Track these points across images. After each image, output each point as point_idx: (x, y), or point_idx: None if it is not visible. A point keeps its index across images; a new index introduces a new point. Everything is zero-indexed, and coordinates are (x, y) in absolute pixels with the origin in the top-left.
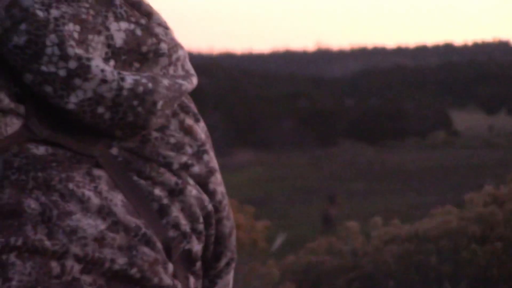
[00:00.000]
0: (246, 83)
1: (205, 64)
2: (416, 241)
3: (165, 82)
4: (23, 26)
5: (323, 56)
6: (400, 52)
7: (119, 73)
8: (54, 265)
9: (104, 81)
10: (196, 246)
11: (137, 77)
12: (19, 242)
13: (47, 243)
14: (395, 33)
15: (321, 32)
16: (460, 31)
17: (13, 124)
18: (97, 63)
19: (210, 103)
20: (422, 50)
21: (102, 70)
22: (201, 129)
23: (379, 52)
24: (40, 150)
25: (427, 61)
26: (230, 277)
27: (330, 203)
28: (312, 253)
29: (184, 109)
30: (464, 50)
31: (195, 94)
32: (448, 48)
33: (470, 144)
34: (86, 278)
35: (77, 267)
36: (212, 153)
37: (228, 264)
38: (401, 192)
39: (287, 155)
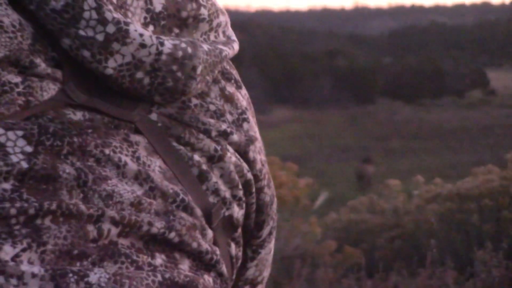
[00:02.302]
0: (283, 40)
1: (243, 21)
2: (458, 200)
3: (205, 47)
4: None
5: (361, 14)
6: (438, 10)
7: (157, 38)
8: (91, 229)
9: (142, 45)
10: (237, 212)
11: (176, 42)
12: (54, 206)
13: (82, 207)
14: None
15: None
16: None
17: (50, 89)
18: (136, 27)
19: (247, 60)
20: (459, 8)
21: (141, 35)
22: (242, 97)
23: (416, 10)
24: (77, 115)
25: (464, 20)
26: (271, 245)
27: (365, 163)
28: (353, 211)
29: (226, 75)
30: (502, 8)
31: None
32: (485, 7)
33: (507, 103)
34: (124, 242)
35: (114, 231)
36: (253, 121)
37: (270, 233)
38: (438, 151)
39: (325, 113)
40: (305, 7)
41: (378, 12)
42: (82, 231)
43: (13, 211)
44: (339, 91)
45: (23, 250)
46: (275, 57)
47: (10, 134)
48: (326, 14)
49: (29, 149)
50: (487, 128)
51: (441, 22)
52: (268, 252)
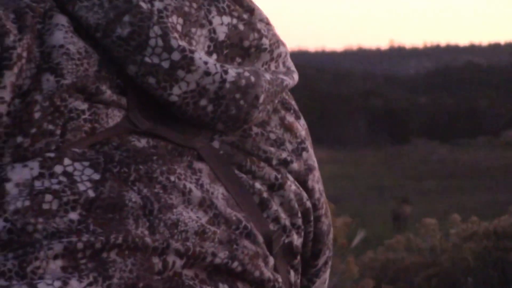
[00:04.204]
0: (319, 81)
1: None
2: (494, 238)
3: (267, 76)
4: (126, 18)
5: (396, 54)
6: (473, 49)
7: (222, 66)
8: (156, 261)
9: (207, 73)
10: (296, 240)
11: (240, 70)
12: (120, 240)
13: (148, 239)
14: (468, 31)
15: (394, 30)
16: None
17: (115, 116)
18: (200, 55)
19: None
20: (495, 48)
21: (205, 62)
22: (301, 126)
23: (452, 50)
24: (142, 142)
25: (500, 59)
26: (327, 275)
27: (403, 203)
28: (390, 249)
29: (285, 105)
30: None
31: None
32: None
33: None
34: (188, 273)
35: (178, 262)
36: (311, 151)
37: (326, 263)
38: (474, 191)
39: (360, 153)
40: (341, 47)
41: (414, 52)
42: (147, 263)
43: (80, 245)
44: (375, 131)
45: (90, 284)
46: (311, 97)
47: (77, 165)
48: (361, 54)
49: (96, 176)
50: None
51: (477, 61)
52: (323, 282)
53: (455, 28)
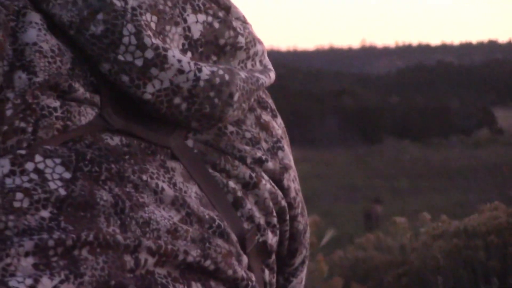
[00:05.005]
0: (290, 80)
1: None
2: (464, 236)
3: (242, 74)
4: (100, 16)
5: (368, 53)
6: (445, 49)
7: (196, 64)
8: (128, 259)
9: (181, 71)
10: (271, 239)
11: (214, 69)
12: (91, 237)
13: (119, 237)
14: (439, 30)
15: (365, 29)
16: (504, 28)
17: (88, 114)
18: (174, 53)
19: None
20: (466, 47)
21: (179, 60)
22: (278, 125)
23: (423, 49)
24: (115, 140)
25: (471, 59)
26: (303, 275)
27: (374, 203)
28: (360, 248)
29: (262, 104)
30: (509, 47)
31: None
32: (492, 46)
33: None
34: (160, 271)
35: (151, 260)
36: (288, 150)
37: (303, 262)
38: (445, 190)
39: (332, 152)
40: (312, 46)
41: (385, 52)
42: (119, 261)
43: (51, 242)
44: (347, 130)
45: (61, 282)
46: (282, 96)
47: (49, 162)
48: (333, 53)
49: (67, 175)
50: (494, 167)
51: (448, 61)
52: (300, 281)
53: (426, 28)
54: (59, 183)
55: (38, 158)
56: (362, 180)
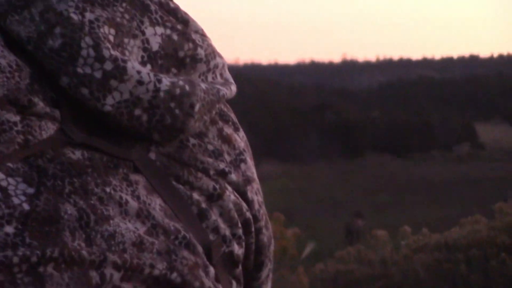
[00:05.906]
0: (272, 94)
1: (231, 75)
2: (445, 250)
3: (203, 85)
4: (57, 30)
5: (349, 68)
6: (426, 63)
7: (155, 75)
8: (93, 275)
9: (140, 82)
10: (237, 250)
11: (174, 80)
12: (56, 253)
13: (84, 253)
14: (420, 45)
15: (347, 44)
16: (485, 44)
17: (48, 129)
18: (133, 64)
19: (236, 113)
20: (447, 62)
21: (138, 72)
22: (240, 138)
23: (404, 64)
24: (76, 154)
25: (452, 73)
26: (269, 287)
27: (356, 217)
28: (341, 261)
29: (224, 117)
30: (490, 62)
31: None
32: (473, 60)
33: (495, 157)
34: (126, 286)
35: (116, 275)
36: (250, 163)
37: (268, 275)
38: (426, 205)
39: (313, 167)
40: (293, 60)
41: (366, 66)
42: (84, 278)
43: (15, 259)
44: (328, 145)
45: None
46: (264, 111)
47: (11, 180)
48: (314, 67)
49: (31, 190)
50: (475, 182)
51: (429, 76)
52: None
53: (407, 42)
54: (23, 198)
55: (0, 175)
56: (344, 195)
